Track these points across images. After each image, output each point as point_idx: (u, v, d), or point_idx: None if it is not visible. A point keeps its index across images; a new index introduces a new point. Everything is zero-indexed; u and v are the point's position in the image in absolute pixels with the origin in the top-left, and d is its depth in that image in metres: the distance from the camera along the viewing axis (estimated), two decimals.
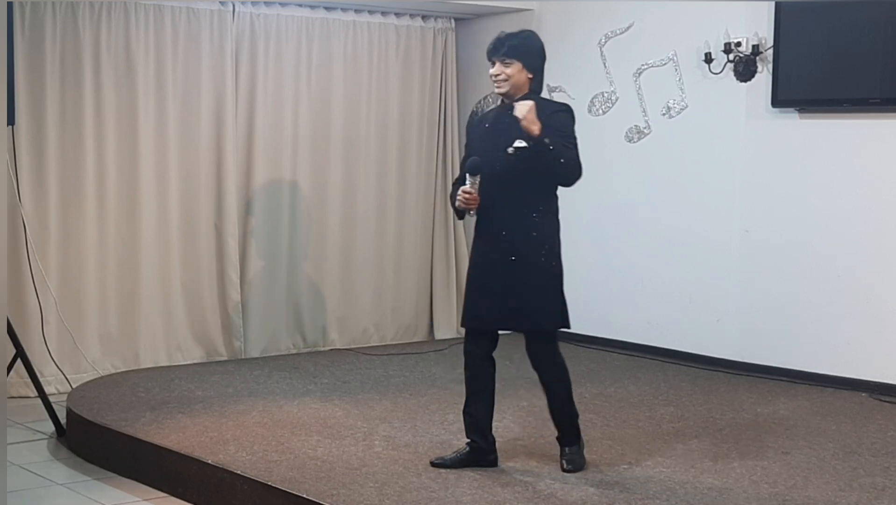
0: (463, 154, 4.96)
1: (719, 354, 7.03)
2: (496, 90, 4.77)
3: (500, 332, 4.86)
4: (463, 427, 4.89)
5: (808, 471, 4.86)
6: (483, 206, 4.66)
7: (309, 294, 7.67)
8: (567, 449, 4.86)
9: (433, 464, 4.81)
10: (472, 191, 4.62)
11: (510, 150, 4.54)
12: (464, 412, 4.88)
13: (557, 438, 4.91)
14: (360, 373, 6.79)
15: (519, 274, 4.67)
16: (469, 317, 4.82)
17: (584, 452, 4.91)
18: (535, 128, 4.45)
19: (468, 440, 4.86)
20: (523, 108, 4.47)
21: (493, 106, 4.90)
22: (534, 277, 4.68)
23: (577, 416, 4.91)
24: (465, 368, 4.88)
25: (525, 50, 4.71)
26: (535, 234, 4.68)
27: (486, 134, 4.76)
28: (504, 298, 4.69)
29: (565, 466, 4.79)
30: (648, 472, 4.80)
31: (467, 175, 4.65)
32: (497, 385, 4.86)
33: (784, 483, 4.68)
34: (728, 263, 7.01)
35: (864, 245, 6.44)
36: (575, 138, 4.69)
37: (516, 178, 4.62)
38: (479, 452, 4.82)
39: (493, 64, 4.70)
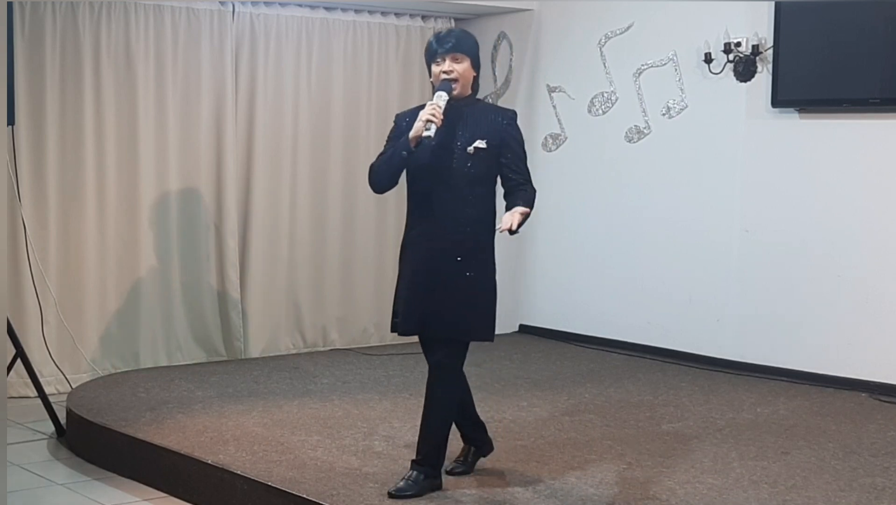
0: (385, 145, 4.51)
1: (719, 354, 7.03)
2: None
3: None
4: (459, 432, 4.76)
5: (808, 471, 4.86)
6: (426, 201, 4.34)
7: (309, 294, 7.67)
8: (414, 473, 4.41)
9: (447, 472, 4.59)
10: (442, 105, 4.28)
11: (470, 148, 4.33)
12: (444, 438, 4.46)
13: (414, 460, 4.46)
14: (360, 373, 6.79)
15: (465, 278, 4.31)
16: (414, 322, 4.38)
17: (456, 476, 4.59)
18: (517, 223, 4.18)
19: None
20: (511, 222, 4.16)
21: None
22: (479, 284, 4.35)
23: (445, 444, 4.46)
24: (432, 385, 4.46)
25: (471, 46, 4.43)
26: (479, 234, 4.36)
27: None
28: (446, 302, 4.32)
29: (394, 491, 4.35)
30: (648, 472, 4.80)
31: (441, 92, 4.33)
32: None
33: (784, 483, 4.68)
34: (728, 263, 7.01)
35: (863, 245, 6.44)
36: (525, 154, 4.46)
37: (466, 176, 4.32)
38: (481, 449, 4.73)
39: (443, 60, 4.37)
